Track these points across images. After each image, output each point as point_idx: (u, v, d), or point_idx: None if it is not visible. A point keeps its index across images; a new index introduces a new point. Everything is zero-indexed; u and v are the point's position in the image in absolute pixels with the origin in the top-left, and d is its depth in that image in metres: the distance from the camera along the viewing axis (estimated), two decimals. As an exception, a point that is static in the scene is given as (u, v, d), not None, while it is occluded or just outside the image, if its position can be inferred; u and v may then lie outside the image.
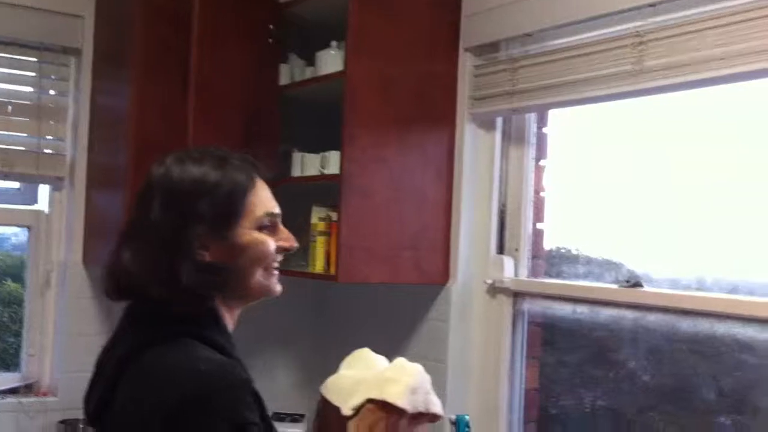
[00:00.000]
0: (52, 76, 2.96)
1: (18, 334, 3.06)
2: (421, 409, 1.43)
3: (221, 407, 1.20)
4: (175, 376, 1.23)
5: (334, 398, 1.47)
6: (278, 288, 1.42)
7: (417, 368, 1.47)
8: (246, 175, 1.37)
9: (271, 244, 1.38)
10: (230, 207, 1.34)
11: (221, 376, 1.23)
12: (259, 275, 1.38)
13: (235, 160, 1.38)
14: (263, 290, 1.40)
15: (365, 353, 1.58)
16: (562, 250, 2.57)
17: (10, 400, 2.85)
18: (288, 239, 1.42)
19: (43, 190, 3.01)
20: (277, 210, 1.41)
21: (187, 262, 1.30)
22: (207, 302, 1.34)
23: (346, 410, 1.43)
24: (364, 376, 1.48)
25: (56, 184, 2.98)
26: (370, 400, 1.41)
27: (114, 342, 1.37)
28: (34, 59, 2.92)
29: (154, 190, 1.33)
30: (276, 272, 1.42)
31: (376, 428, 1.39)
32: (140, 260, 1.30)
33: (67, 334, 2.91)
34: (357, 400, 1.42)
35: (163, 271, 1.29)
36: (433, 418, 1.46)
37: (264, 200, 1.39)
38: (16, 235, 3.24)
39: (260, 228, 1.37)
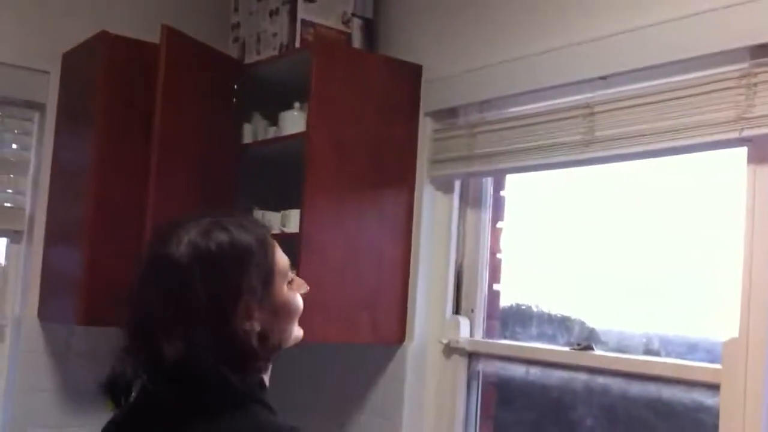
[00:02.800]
0: (15, 130, 2.96)
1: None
2: None
3: None
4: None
5: None
6: (301, 333, 1.39)
7: None
8: (265, 232, 1.34)
9: (299, 296, 1.36)
10: (269, 268, 1.30)
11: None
12: (295, 326, 1.36)
13: (248, 221, 1.34)
14: (298, 339, 1.38)
15: None
16: (522, 307, 2.61)
17: (-41, 457, 2.79)
18: (302, 285, 1.37)
19: (0, 243, 2.99)
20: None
21: (243, 336, 1.25)
22: (264, 369, 1.31)
23: None
24: None
25: (14, 237, 2.97)
26: None
27: (133, 417, 1.31)
28: (-3, 113, 2.94)
29: (190, 272, 1.24)
30: None
31: None
32: (200, 350, 1.22)
33: (20, 390, 2.87)
34: None
35: (226, 353, 1.23)
36: None
37: (281, 253, 1.35)
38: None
39: (289, 282, 1.35)
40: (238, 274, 1.25)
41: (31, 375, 2.88)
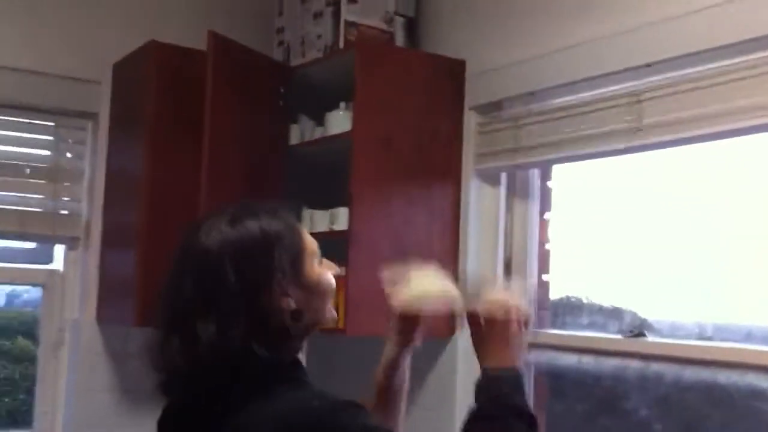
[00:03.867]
0: (69, 140, 3.04)
1: (28, 392, 3.09)
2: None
3: (352, 425, 1.23)
4: (292, 413, 1.24)
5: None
6: (335, 314, 1.44)
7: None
8: (294, 217, 1.39)
9: (331, 274, 1.40)
10: (298, 249, 1.35)
11: (335, 401, 1.25)
12: (329, 306, 1.41)
13: (275, 207, 1.38)
14: (332, 319, 1.42)
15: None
16: (572, 299, 2.62)
17: (24, 457, 2.87)
18: (333, 266, 1.42)
19: (58, 250, 3.08)
20: None
21: (278, 314, 1.29)
22: (300, 346, 1.36)
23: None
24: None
25: (71, 243, 3.05)
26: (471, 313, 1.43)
27: (182, 405, 1.37)
28: (52, 123, 3.01)
29: (219, 258, 1.29)
30: None
31: (508, 329, 1.40)
32: (232, 331, 1.26)
33: (80, 391, 2.95)
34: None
35: (260, 332, 1.27)
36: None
37: (309, 236, 1.40)
38: (27, 291, 3.30)
39: (319, 262, 1.39)
40: (268, 256, 1.30)
41: (90, 377, 2.96)
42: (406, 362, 1.56)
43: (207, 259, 1.30)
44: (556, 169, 2.62)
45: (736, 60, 1.97)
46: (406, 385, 1.59)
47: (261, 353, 1.26)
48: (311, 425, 1.21)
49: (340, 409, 1.24)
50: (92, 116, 3.04)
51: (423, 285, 1.49)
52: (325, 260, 1.42)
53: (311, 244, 1.39)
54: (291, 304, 1.31)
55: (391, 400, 1.59)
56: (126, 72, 2.95)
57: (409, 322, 1.51)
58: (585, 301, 2.57)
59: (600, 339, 2.36)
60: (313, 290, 1.36)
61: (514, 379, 1.38)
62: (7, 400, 3.11)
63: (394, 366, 1.57)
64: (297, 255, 1.34)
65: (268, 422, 1.23)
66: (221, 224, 1.32)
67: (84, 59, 2.97)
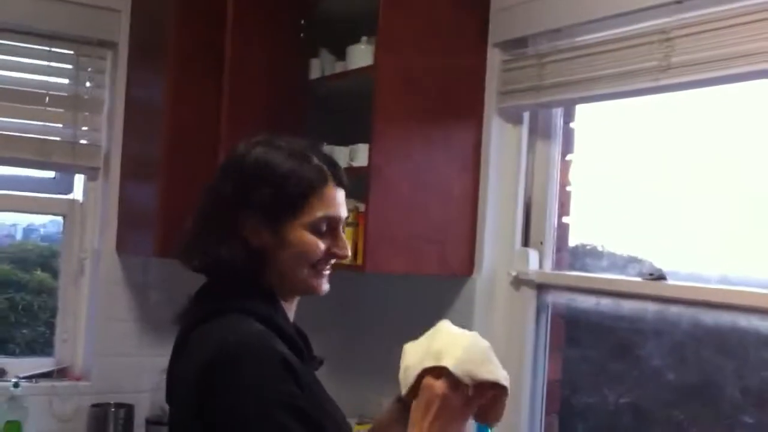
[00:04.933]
0: (89, 69, 3.02)
1: (47, 324, 3.14)
2: (481, 378, 1.33)
3: (246, 375, 1.24)
4: (204, 345, 1.30)
5: (400, 379, 1.39)
6: (324, 287, 1.45)
7: (468, 336, 1.40)
8: (318, 176, 1.39)
9: (321, 246, 1.40)
10: (288, 202, 1.37)
11: (247, 347, 1.27)
12: (305, 273, 1.41)
13: (316, 159, 1.41)
14: (308, 288, 1.43)
15: (444, 326, 1.47)
16: (588, 247, 2.60)
17: (44, 383, 2.92)
18: (342, 248, 1.43)
19: (78, 180, 3.08)
20: (339, 214, 1.42)
21: (233, 239, 1.36)
22: (245, 280, 1.38)
23: (404, 391, 1.37)
24: (416, 350, 1.40)
25: (91, 174, 3.06)
26: (421, 375, 1.34)
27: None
28: (71, 52, 2.99)
29: (232, 166, 1.42)
30: (326, 272, 1.44)
31: (432, 407, 1.30)
32: (196, 223, 1.40)
33: (100, 320, 2.99)
34: (411, 378, 1.35)
35: (210, 239, 1.37)
36: (496, 389, 1.35)
37: (328, 203, 1.40)
38: (44, 226, 3.33)
39: (316, 229, 1.39)
40: (254, 188, 1.37)
41: (110, 306, 2.99)
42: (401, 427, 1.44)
43: (226, 164, 1.46)
44: (579, 110, 2.58)
45: (769, -2, 1.90)
46: None
47: (205, 260, 1.38)
48: (219, 357, 1.27)
49: (245, 357, 1.26)
50: (112, 45, 3.02)
51: (407, 359, 1.42)
52: (340, 235, 1.43)
53: (316, 209, 1.39)
54: (253, 241, 1.38)
55: None
56: (146, 1, 2.92)
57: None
58: (600, 249, 2.55)
59: (619, 281, 2.34)
60: (284, 246, 1.38)
61: None
62: (25, 331, 3.15)
63: (389, 426, 1.53)
64: (285, 206, 1.37)
65: (198, 345, 1.33)
66: (258, 143, 1.43)
67: (103, -13, 2.94)
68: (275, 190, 1.36)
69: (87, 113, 3.02)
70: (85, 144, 3.03)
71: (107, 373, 2.97)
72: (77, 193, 3.08)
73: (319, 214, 1.39)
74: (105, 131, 3.04)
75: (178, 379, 1.36)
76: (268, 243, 1.37)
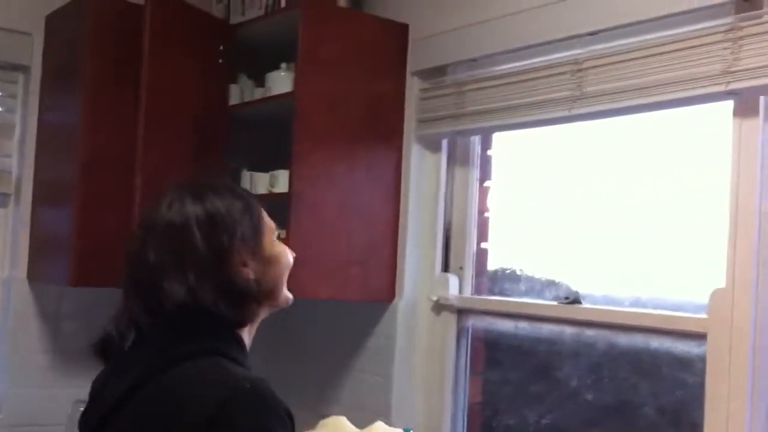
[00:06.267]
0: (0, 93, 2.94)
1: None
2: None
3: (264, 421, 1.25)
4: (208, 386, 1.27)
5: None
6: (291, 296, 1.50)
7: None
8: (250, 194, 1.48)
9: (288, 251, 1.48)
10: (258, 224, 1.42)
11: (263, 394, 1.27)
12: (284, 285, 1.47)
13: (233, 185, 1.49)
14: (286, 299, 1.48)
15: (340, 422, 1.56)
16: (507, 271, 2.65)
17: (-48, 418, 2.80)
18: (289, 248, 1.49)
19: (-13, 206, 2.99)
20: None
21: (238, 279, 1.37)
22: (253, 314, 1.41)
23: None
24: None
25: (2, 200, 2.96)
26: None
27: (120, 366, 1.39)
28: (-19, 76, 2.91)
29: (186, 226, 1.36)
30: None
31: None
32: (202, 291, 1.33)
33: (11, 351, 2.88)
34: None
35: (226, 294, 1.35)
36: None
37: (266, 215, 1.48)
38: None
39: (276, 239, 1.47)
40: (231, 229, 1.38)
41: (22, 337, 2.89)
42: None
43: (173, 228, 1.37)
44: (497, 138, 2.64)
45: (677, 30, 1.99)
46: None
47: (226, 313, 1.35)
48: (237, 404, 1.24)
49: (260, 401, 1.27)
50: (24, 69, 2.94)
51: None
52: (282, 242, 1.50)
53: (270, 221, 1.47)
54: (249, 273, 1.39)
55: None
56: (59, 24, 2.86)
57: None
58: (519, 273, 2.60)
59: (536, 305, 2.39)
60: (270, 263, 1.43)
61: None
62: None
63: None
64: (257, 229, 1.42)
65: (203, 386, 1.27)
66: (185, 199, 1.39)
67: (15, 10, 2.88)
68: (247, 221, 1.40)
69: (-3, 138, 2.94)
70: (-5, 170, 2.94)
71: (20, 405, 2.87)
72: (-14, 220, 2.98)
73: (273, 225, 1.48)
74: (16, 156, 2.95)
75: (150, 416, 1.30)
76: (258, 269, 1.41)
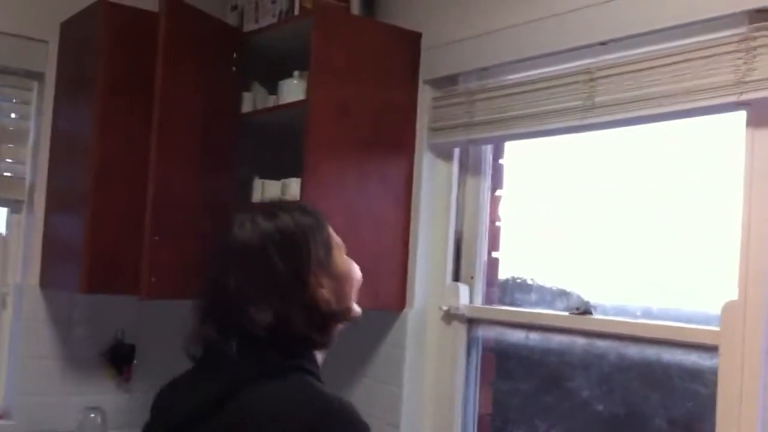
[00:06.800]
0: (14, 100, 2.96)
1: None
2: None
3: None
4: (305, 403, 1.27)
5: None
6: (360, 309, 1.48)
7: None
8: (319, 212, 1.46)
9: (356, 266, 1.47)
10: (328, 241, 1.42)
11: (351, 414, 1.28)
12: (354, 300, 1.46)
13: (302, 204, 1.50)
14: (357, 314, 1.47)
15: None
16: (518, 280, 2.64)
17: (-37, 423, 2.82)
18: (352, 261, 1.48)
19: (1, 213, 3.00)
20: None
21: (319, 301, 1.37)
22: (336, 335, 1.41)
23: None
24: None
25: (15, 206, 2.98)
26: None
27: (192, 382, 1.39)
28: (-4, 82, 2.93)
29: (264, 248, 1.36)
30: None
31: None
32: (291, 313, 1.33)
33: (22, 358, 2.89)
34: None
35: (308, 315, 1.35)
36: None
37: (333, 231, 1.47)
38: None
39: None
40: (305, 247, 1.38)
41: (33, 343, 2.90)
42: None
43: (251, 252, 1.37)
44: (508, 147, 2.63)
45: (689, 41, 1.98)
46: None
47: (317, 339, 1.36)
48: (327, 422, 1.25)
49: (348, 422, 1.28)
50: (38, 76, 2.96)
51: None
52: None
53: (337, 237, 1.46)
54: (325, 294, 1.38)
55: None
56: (74, 32, 2.88)
57: None
58: (530, 282, 2.59)
59: (547, 315, 2.38)
60: (343, 281, 1.42)
61: None
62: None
63: None
64: (328, 247, 1.41)
65: (292, 403, 1.28)
66: (257, 219, 1.39)
67: (31, 17, 2.90)
68: (317, 238, 1.40)
69: (11, 145, 2.96)
70: (9, 176, 2.96)
71: (30, 412, 2.87)
72: (0, 227, 2.99)
73: (340, 240, 1.47)
74: (30, 163, 2.97)
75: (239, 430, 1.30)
76: (331, 287, 1.40)
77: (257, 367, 1.32)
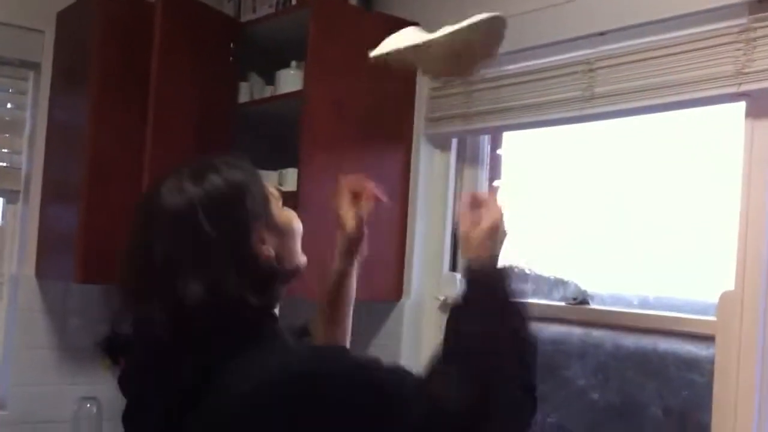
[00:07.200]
0: (10, 90, 2.95)
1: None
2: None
3: (342, 366, 1.23)
4: (272, 366, 1.20)
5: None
6: (305, 259, 1.39)
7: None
8: (250, 165, 1.35)
9: (296, 215, 1.38)
10: (264, 194, 1.31)
11: (320, 349, 1.32)
12: (299, 251, 1.37)
13: (230, 159, 1.35)
14: (303, 264, 1.37)
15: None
16: (515, 270, 2.63)
17: (-42, 413, 2.81)
18: (291, 211, 1.39)
19: (-4, 203, 3.00)
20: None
21: (262, 261, 1.27)
22: (282, 294, 1.33)
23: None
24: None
25: (10, 197, 2.97)
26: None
27: (154, 365, 1.30)
28: (-8, 72, 2.92)
29: (191, 214, 1.23)
30: None
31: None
32: (223, 282, 1.22)
33: (18, 348, 2.89)
34: None
35: (250, 281, 1.24)
36: None
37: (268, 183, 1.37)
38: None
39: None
40: (239, 205, 1.26)
41: (29, 333, 2.90)
42: (354, 275, 1.65)
43: (178, 218, 1.24)
44: (506, 138, 2.63)
45: (689, 31, 1.98)
46: (353, 299, 1.68)
47: (253, 302, 1.24)
48: (307, 374, 1.19)
49: (327, 357, 1.26)
50: (35, 66, 2.95)
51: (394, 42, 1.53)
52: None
53: (271, 188, 1.36)
54: (269, 250, 1.28)
55: (342, 312, 1.69)
56: (71, 21, 2.87)
57: (355, 235, 1.60)
58: (528, 272, 2.59)
59: (544, 306, 2.38)
60: (285, 233, 1.33)
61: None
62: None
63: (343, 277, 1.64)
64: (265, 200, 1.30)
65: (266, 372, 1.19)
66: (183, 182, 1.26)
67: (27, 7, 2.89)
68: (252, 193, 1.28)
69: (7, 135, 2.95)
70: (5, 166, 2.95)
71: (26, 402, 2.88)
72: (-5, 216, 2.99)
73: (275, 191, 1.36)
74: (26, 153, 2.96)
75: (220, 409, 1.19)
76: (275, 242, 1.29)
77: (213, 350, 1.21)
